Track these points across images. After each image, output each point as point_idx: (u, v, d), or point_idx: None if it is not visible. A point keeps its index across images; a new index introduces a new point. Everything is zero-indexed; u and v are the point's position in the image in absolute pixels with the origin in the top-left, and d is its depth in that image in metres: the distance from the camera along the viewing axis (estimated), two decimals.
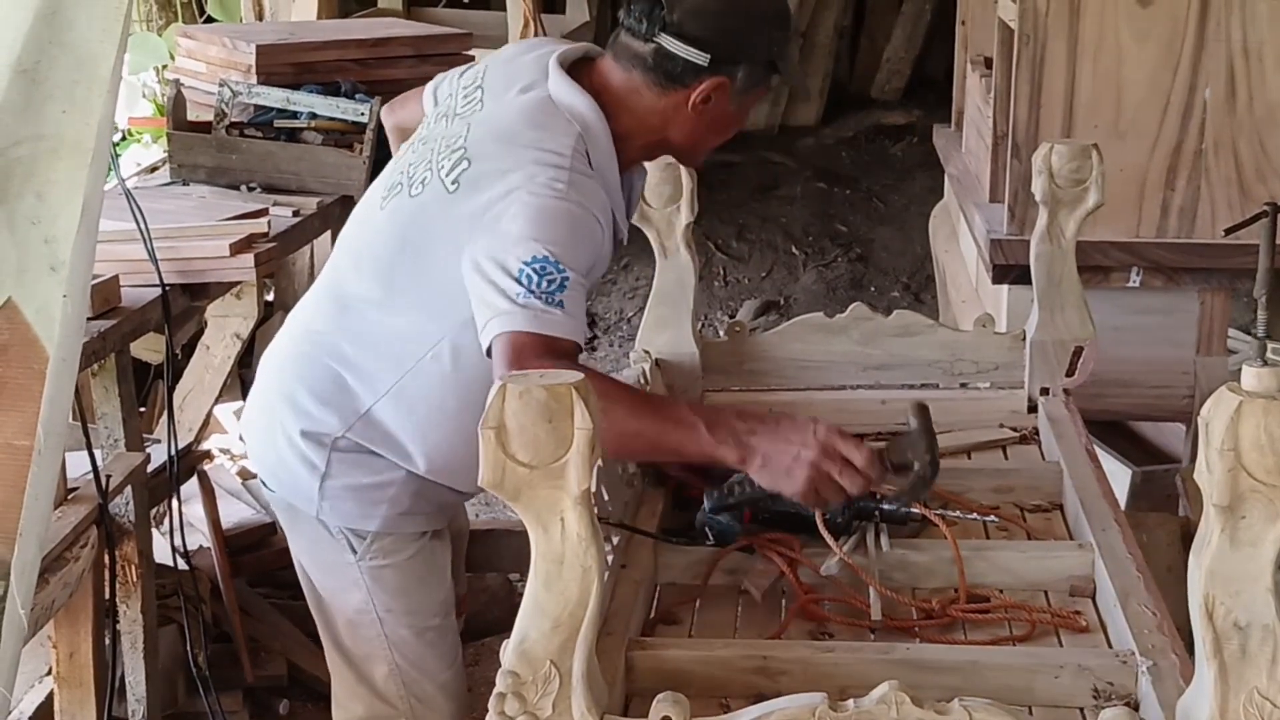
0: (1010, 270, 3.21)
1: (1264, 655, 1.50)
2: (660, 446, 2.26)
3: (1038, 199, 2.78)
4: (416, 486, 2.53)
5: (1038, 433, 2.81)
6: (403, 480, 2.52)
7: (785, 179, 6.83)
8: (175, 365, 3.70)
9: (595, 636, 1.62)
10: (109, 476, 2.76)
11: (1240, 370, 3.79)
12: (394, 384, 2.48)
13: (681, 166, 2.89)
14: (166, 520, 3.56)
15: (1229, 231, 2.23)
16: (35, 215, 1.11)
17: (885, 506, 2.31)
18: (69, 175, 1.11)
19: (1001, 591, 2.19)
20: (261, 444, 2.68)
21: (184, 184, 4.00)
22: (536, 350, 2.17)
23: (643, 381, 2.75)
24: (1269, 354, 1.58)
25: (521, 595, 3.95)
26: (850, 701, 1.57)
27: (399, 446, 2.50)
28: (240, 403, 5.53)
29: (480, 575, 3.99)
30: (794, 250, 6.44)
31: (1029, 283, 2.96)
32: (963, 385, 2.95)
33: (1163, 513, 3.22)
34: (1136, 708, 1.83)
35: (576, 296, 2.25)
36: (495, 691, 1.60)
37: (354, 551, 2.54)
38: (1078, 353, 2.83)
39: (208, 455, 4.18)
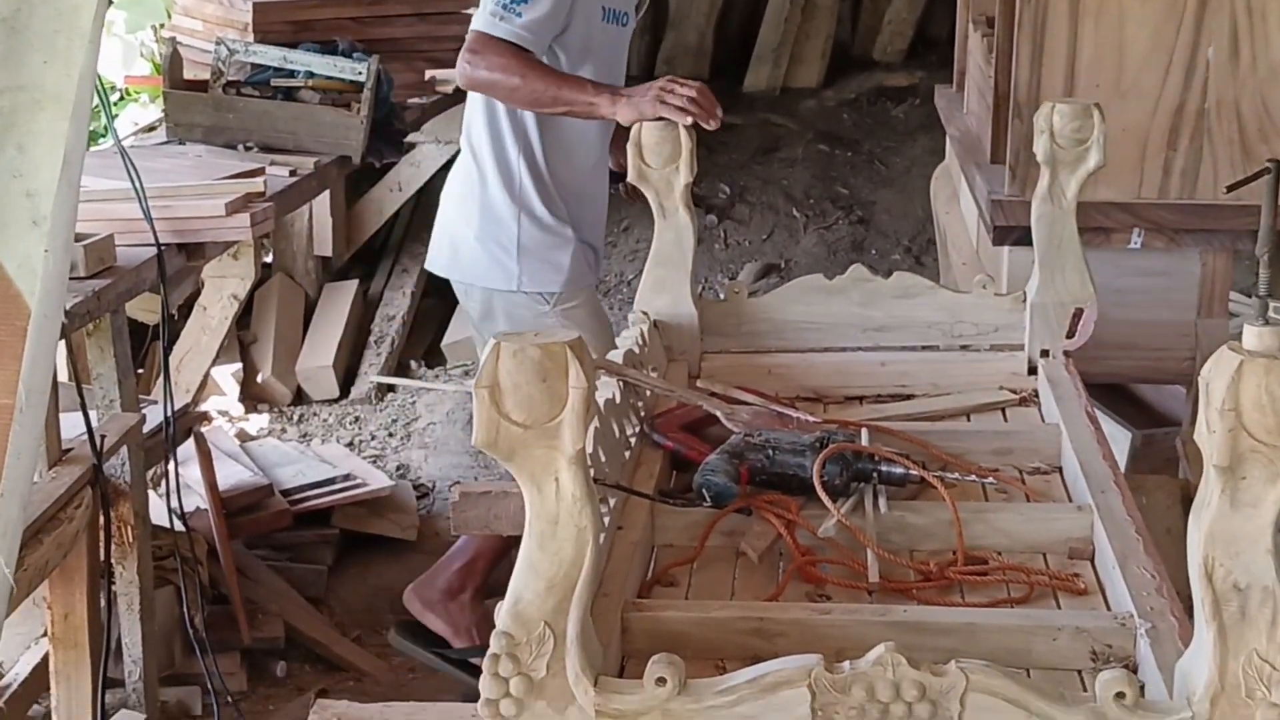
0: (1011, 231, 3.19)
1: (1263, 617, 1.49)
2: (559, 99, 3.36)
3: (1039, 159, 2.76)
4: (575, 247, 3.61)
5: (1037, 395, 2.80)
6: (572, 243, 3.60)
7: (786, 141, 6.79)
8: (172, 327, 3.68)
9: (590, 597, 1.60)
10: (104, 437, 2.75)
11: (1241, 332, 3.78)
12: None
13: (680, 126, 2.87)
14: (163, 482, 3.55)
15: (1231, 188, 2.21)
16: (16, 168, 1.09)
17: (883, 467, 2.30)
18: (51, 127, 1.08)
19: (1000, 554, 2.18)
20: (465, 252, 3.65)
21: (180, 143, 3.98)
22: (483, 44, 3.34)
23: (641, 344, 2.74)
24: (1271, 313, 1.56)
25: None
26: (846, 663, 1.56)
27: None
28: (238, 364, 5.54)
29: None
30: (795, 213, 6.41)
31: (1030, 244, 2.93)
32: (962, 347, 2.93)
33: (1162, 475, 3.21)
34: (1135, 670, 1.81)
35: (538, 12, 3.35)
36: (489, 653, 1.59)
37: (547, 304, 3.60)
38: (1078, 315, 2.82)
39: (205, 417, 4.18)
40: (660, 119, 3.02)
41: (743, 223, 6.35)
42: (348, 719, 1.89)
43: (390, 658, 3.80)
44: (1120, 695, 1.52)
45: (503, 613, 1.59)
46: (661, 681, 1.57)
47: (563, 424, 1.53)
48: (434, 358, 5.84)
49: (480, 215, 3.59)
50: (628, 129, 2.99)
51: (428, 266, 3.81)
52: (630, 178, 2.91)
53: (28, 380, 1.08)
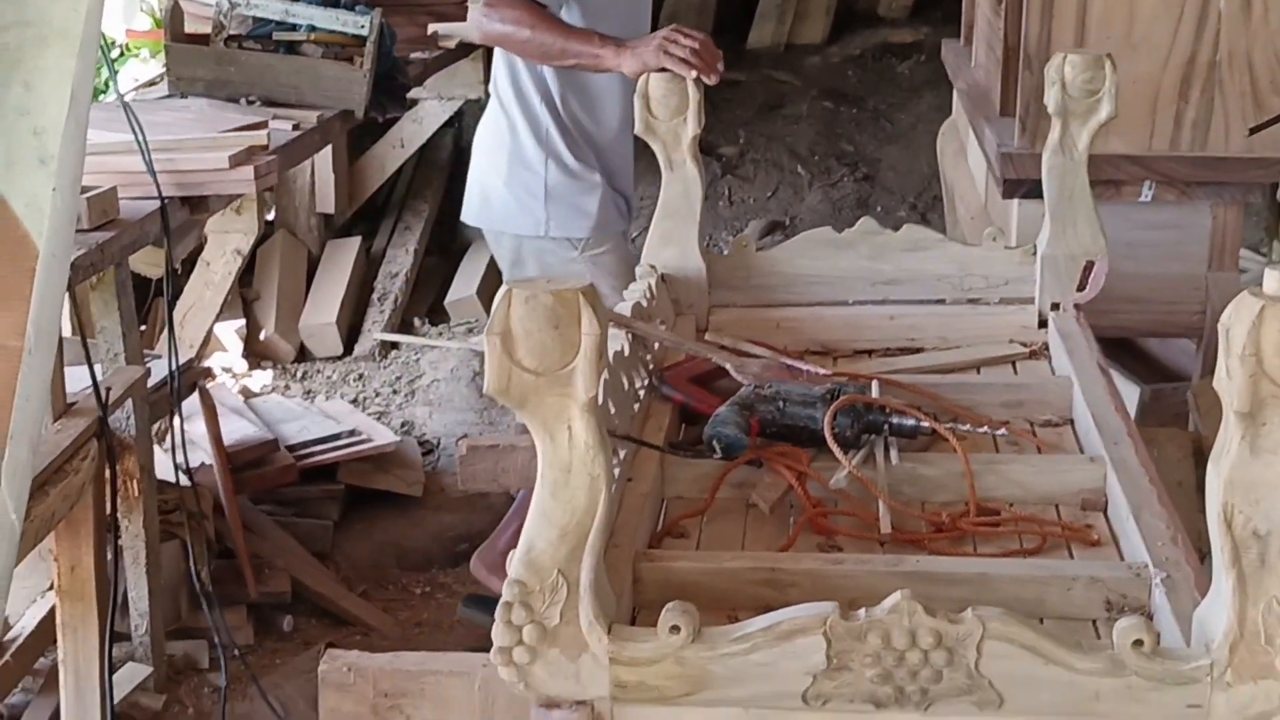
0: (1020, 184, 3.16)
1: None
2: (567, 52, 3.45)
3: (1050, 110, 2.73)
4: (603, 193, 3.66)
5: (1048, 348, 2.78)
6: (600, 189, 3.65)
7: (791, 98, 6.75)
8: (175, 281, 3.66)
9: (603, 545, 1.59)
10: (109, 389, 2.74)
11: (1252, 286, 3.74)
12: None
13: (688, 79, 2.85)
14: (168, 437, 3.54)
15: (1254, 131, 2.18)
16: (23, 106, 1.07)
17: (894, 419, 2.28)
18: (57, 63, 1.06)
19: (1012, 505, 2.17)
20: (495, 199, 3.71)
21: (182, 97, 3.95)
22: None
23: (649, 297, 2.72)
24: None
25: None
26: (862, 611, 1.55)
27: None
28: (241, 321, 5.53)
29: (484, 494, 3.98)
30: (800, 170, 6.37)
31: (1039, 197, 2.91)
32: (972, 301, 2.91)
33: (1173, 428, 3.19)
34: (1150, 619, 1.80)
35: None
36: (501, 601, 1.58)
37: (575, 248, 3.66)
38: (1089, 267, 2.80)
39: (209, 372, 4.16)
40: (664, 70, 3.09)
41: (747, 180, 6.31)
42: (358, 669, 1.87)
43: (396, 612, 3.80)
44: (1138, 643, 1.51)
45: (515, 561, 1.58)
46: (675, 629, 1.56)
47: (575, 371, 1.52)
48: (437, 315, 5.82)
49: (509, 163, 3.66)
50: None
51: (462, 218, 3.85)
52: (637, 130, 2.88)
53: (36, 321, 1.07)
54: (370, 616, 3.77)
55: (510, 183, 3.66)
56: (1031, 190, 3.11)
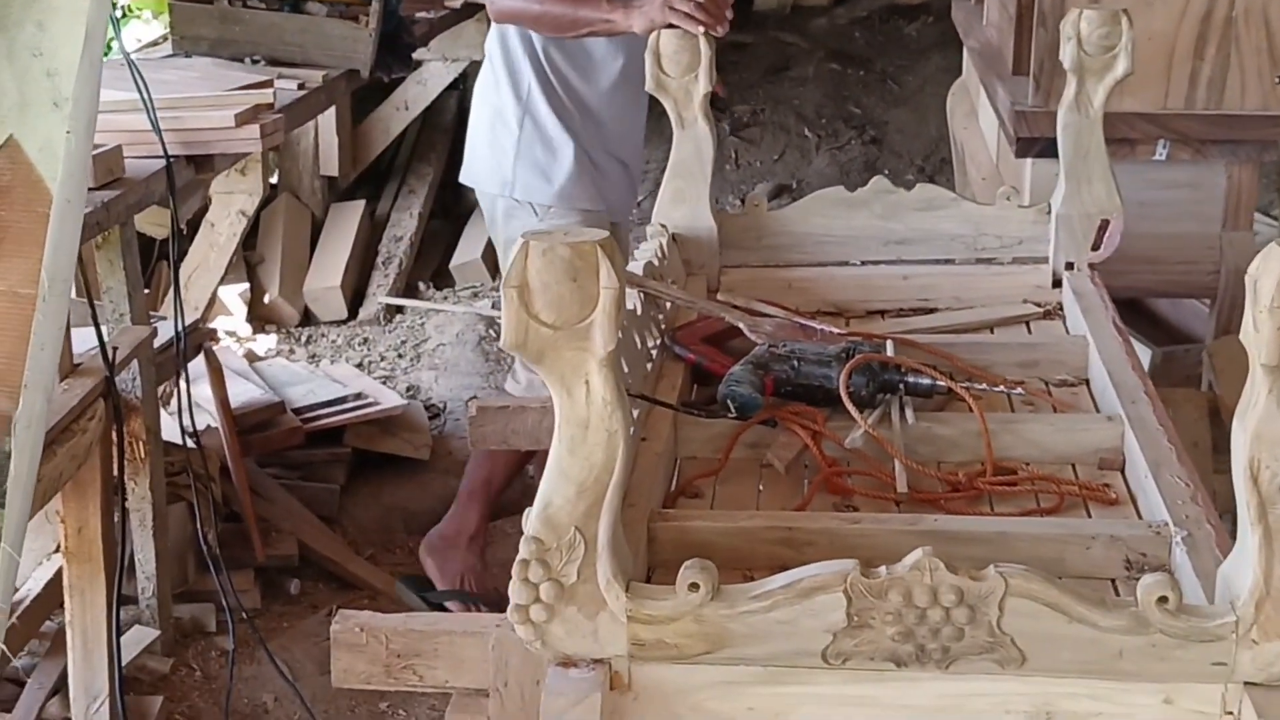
0: (1034, 143, 3.13)
1: None
2: (578, 21, 3.41)
3: (1066, 67, 2.71)
4: (575, 163, 3.52)
5: (1062, 308, 2.76)
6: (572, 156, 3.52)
7: (798, 60, 6.71)
8: (180, 243, 3.63)
9: (620, 502, 1.57)
10: (115, 349, 2.71)
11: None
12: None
13: (700, 36, 2.82)
14: (173, 400, 3.52)
15: None
16: (37, 46, 1.04)
17: (909, 378, 2.26)
18: (71, 3, 1.04)
19: (1028, 465, 2.15)
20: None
21: (186, 56, 3.92)
22: None
23: (660, 256, 2.69)
24: None
25: (533, 476, 3.92)
26: (883, 568, 1.53)
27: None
28: (245, 285, 5.50)
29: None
30: (807, 133, 6.34)
31: (1053, 156, 2.88)
32: (985, 261, 2.89)
33: (1189, 389, 3.17)
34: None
35: None
36: (518, 558, 1.56)
37: (536, 215, 3.53)
38: (1104, 226, 2.77)
39: (213, 335, 4.14)
40: (671, 25, 3.05)
41: (754, 143, 6.28)
42: (370, 629, 1.85)
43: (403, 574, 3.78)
44: (1163, 600, 1.49)
45: (532, 517, 1.56)
46: (694, 587, 1.55)
47: (593, 325, 1.49)
48: (442, 279, 5.79)
49: (490, 118, 3.57)
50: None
51: (460, 178, 3.79)
52: (648, 87, 2.85)
53: (50, 268, 1.05)
54: (377, 580, 3.76)
55: (490, 139, 3.57)
56: (1045, 149, 3.08)
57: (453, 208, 6.12)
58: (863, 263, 2.92)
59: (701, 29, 2.98)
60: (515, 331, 1.50)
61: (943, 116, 5.60)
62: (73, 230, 1.08)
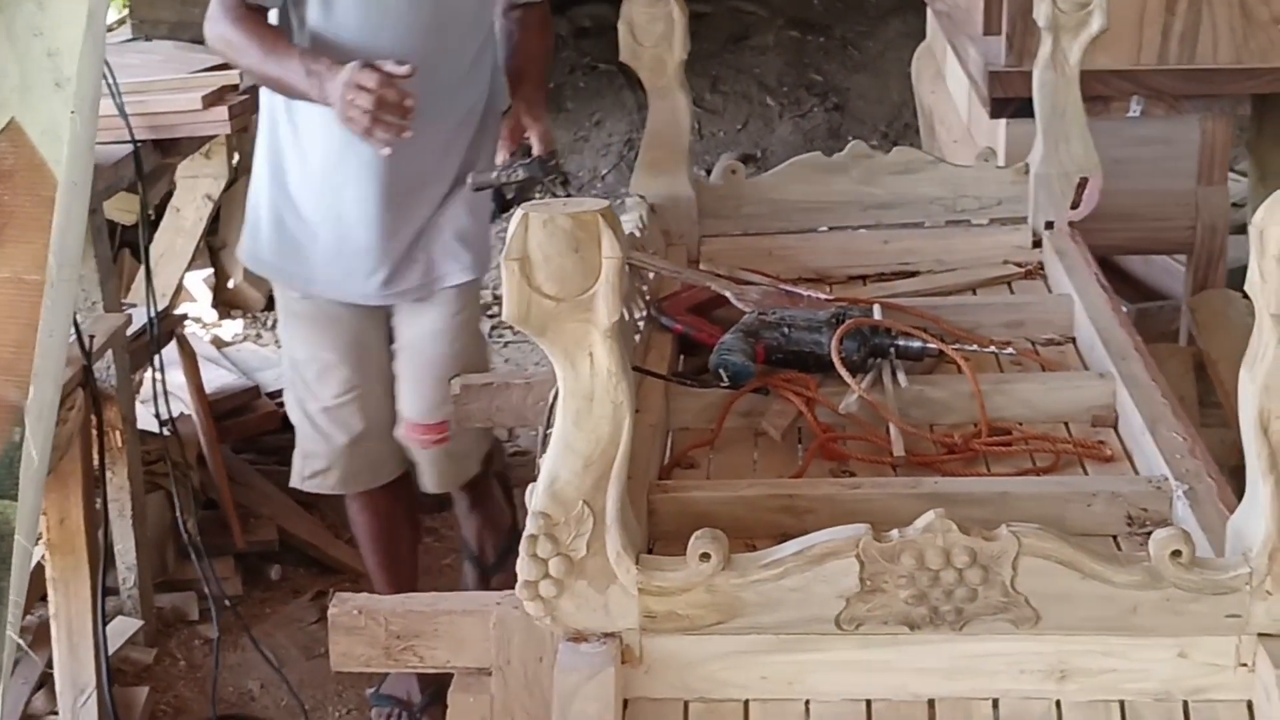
0: (1008, 103, 3.12)
1: None
2: (267, 78, 2.76)
3: (1041, 25, 2.70)
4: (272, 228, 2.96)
5: (1043, 267, 2.75)
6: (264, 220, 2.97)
7: (757, 28, 6.69)
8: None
9: (626, 474, 1.56)
10: (92, 337, 2.68)
11: (1242, 203, 3.73)
12: None
13: (673, 1, 2.80)
14: (144, 388, 3.49)
15: None
16: (37, 25, 1.02)
17: (900, 341, 2.25)
18: None
19: (1021, 425, 2.14)
20: None
21: (146, 40, 3.87)
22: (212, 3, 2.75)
23: (641, 227, 2.68)
24: None
25: (510, 453, 3.87)
26: (895, 532, 1.52)
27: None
28: (209, 270, 5.44)
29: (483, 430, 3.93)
30: (769, 101, 6.32)
31: (1027, 116, 2.87)
32: (964, 222, 2.88)
33: (1172, 344, 3.18)
34: None
35: None
36: (526, 534, 1.54)
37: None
38: (1082, 184, 2.77)
39: (182, 321, 4.10)
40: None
41: (716, 113, 6.26)
42: (369, 611, 1.84)
43: None
44: (1176, 554, 1.49)
45: (538, 493, 1.54)
46: (705, 557, 1.53)
47: (596, 296, 1.48)
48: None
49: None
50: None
51: None
52: (622, 56, 2.83)
53: (58, 253, 1.02)
54: (359, 563, 3.72)
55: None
56: (1020, 109, 3.07)
57: None
58: (843, 228, 2.91)
59: (383, 148, 2.63)
60: (517, 304, 1.48)
61: (905, 82, 5.59)
62: (79, 213, 1.05)
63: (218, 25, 2.74)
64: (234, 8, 2.74)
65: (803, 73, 6.44)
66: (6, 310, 1.05)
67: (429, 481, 3.08)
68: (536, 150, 2.83)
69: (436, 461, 3.05)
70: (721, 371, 2.20)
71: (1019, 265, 2.77)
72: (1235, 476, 1.87)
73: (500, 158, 2.86)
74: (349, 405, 3.01)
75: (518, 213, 1.49)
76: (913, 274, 2.80)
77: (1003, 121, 3.23)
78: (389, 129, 2.61)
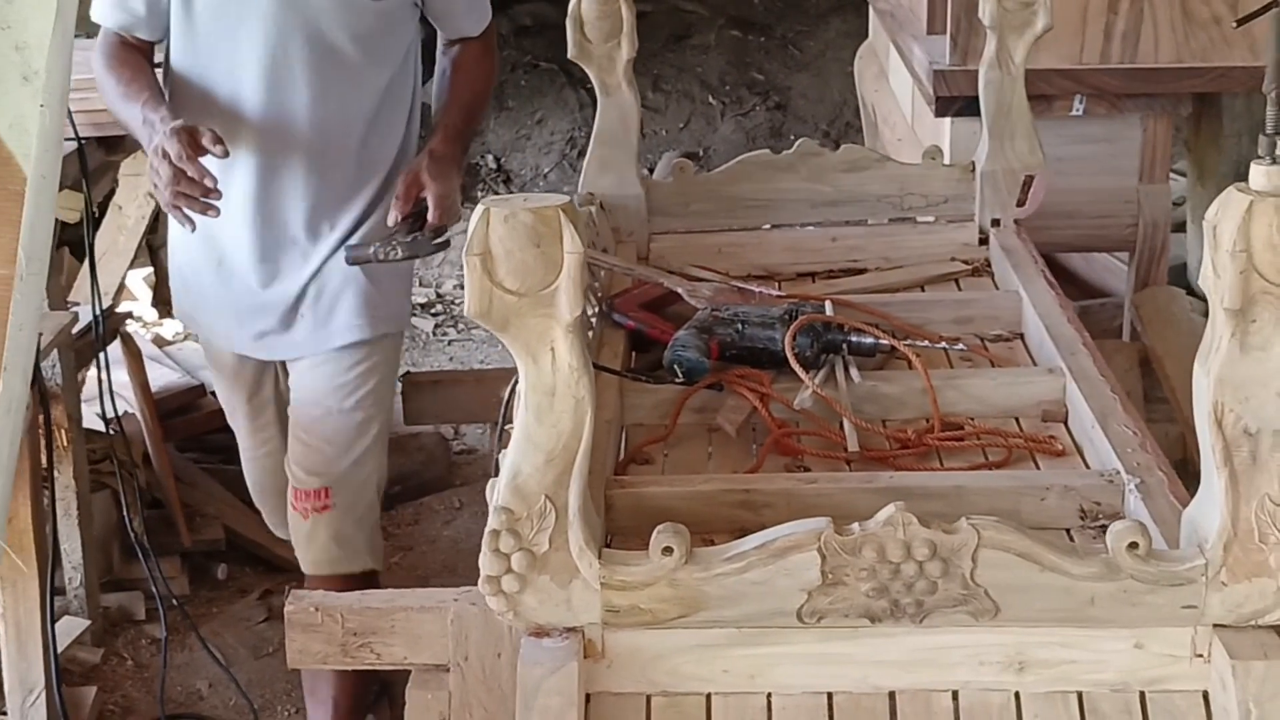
0: (953, 102, 3.15)
1: (1275, 461, 1.48)
2: (119, 120, 2.65)
3: (985, 24, 2.73)
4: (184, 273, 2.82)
5: (989, 265, 2.78)
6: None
7: (698, 27, 6.70)
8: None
9: (588, 469, 1.56)
10: (40, 334, 2.65)
11: (1180, 201, 3.77)
12: None
13: (621, 1, 2.80)
14: (87, 386, 3.45)
15: (1240, 23, 2.14)
16: (5, 19, 1.01)
17: (853, 338, 2.27)
18: None
19: (973, 420, 2.16)
20: None
21: (88, 37, 3.82)
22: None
23: (592, 225, 2.68)
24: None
25: (456, 452, 3.87)
26: (856, 525, 1.53)
27: None
28: (149, 269, 5.39)
29: (415, 435, 3.93)
30: (711, 100, 6.35)
31: (972, 114, 2.90)
32: (910, 220, 2.91)
33: (1117, 340, 3.21)
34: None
35: None
36: (489, 529, 1.54)
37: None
38: (1028, 182, 2.80)
39: (126, 319, 4.07)
40: None
41: (659, 111, 6.27)
42: (326, 608, 1.83)
43: None
44: (1133, 545, 1.51)
45: (500, 488, 1.55)
46: (668, 551, 1.54)
47: (558, 290, 1.48)
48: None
49: None
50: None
51: None
52: (571, 54, 2.83)
53: (27, 247, 1.02)
54: None
55: None
56: (964, 108, 3.11)
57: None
58: (792, 225, 2.92)
59: (186, 225, 2.48)
60: (479, 299, 1.48)
61: (846, 81, 5.63)
62: (48, 206, 1.05)
63: (93, 59, 2.64)
64: (109, 43, 2.64)
65: (744, 72, 6.47)
66: None
67: (305, 559, 2.75)
68: (431, 218, 2.56)
69: (314, 535, 2.72)
70: (676, 367, 2.21)
71: (966, 263, 2.80)
72: (1180, 471, 1.90)
73: (391, 218, 2.56)
74: (256, 462, 2.90)
75: (479, 208, 1.49)
76: (861, 271, 2.82)
77: (947, 120, 3.26)
78: (190, 204, 2.41)
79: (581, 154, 5.95)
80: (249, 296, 2.69)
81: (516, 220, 1.46)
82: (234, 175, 2.59)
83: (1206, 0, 3.08)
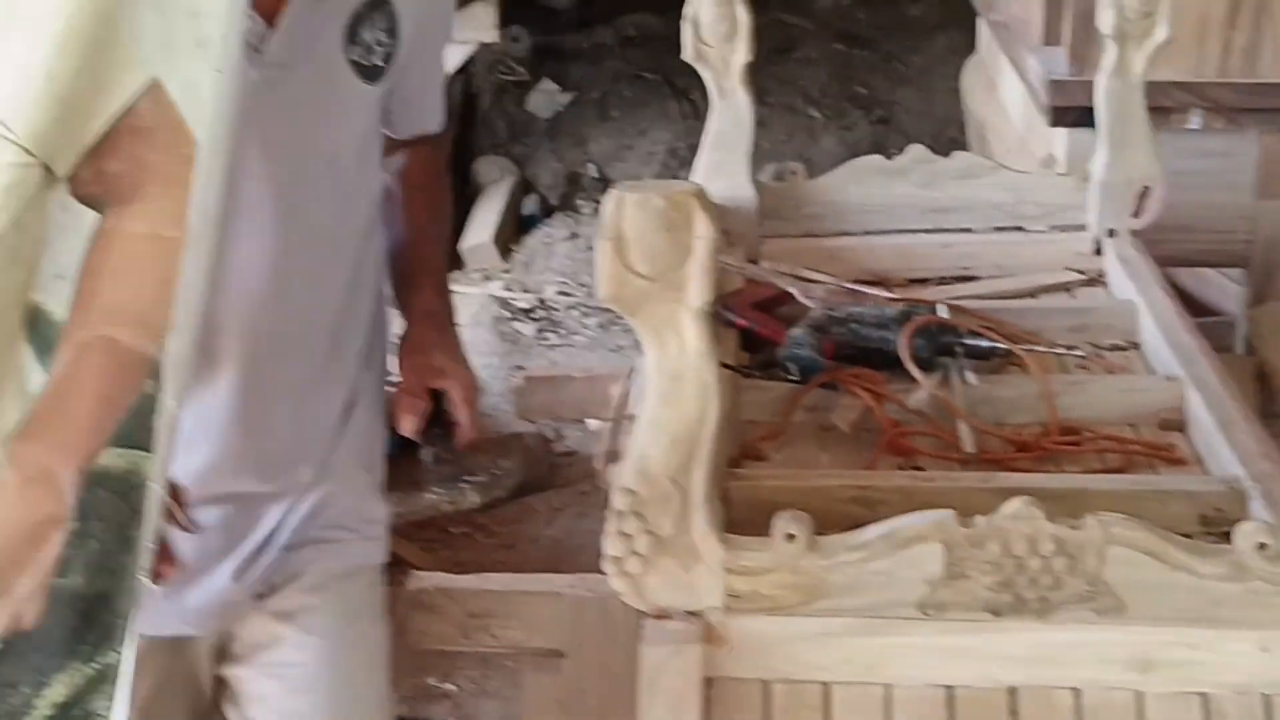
0: (1068, 112, 3.14)
1: None
2: None
3: (1106, 33, 2.71)
4: None
5: (1104, 275, 2.76)
6: None
7: (802, 41, 6.70)
8: None
9: (713, 454, 1.57)
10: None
11: None
12: None
13: (738, 1, 2.81)
14: None
15: None
16: None
17: (968, 340, 2.26)
18: None
19: (1089, 426, 2.15)
20: None
21: None
22: None
23: None
24: None
25: (557, 453, 3.87)
26: (980, 518, 1.53)
27: None
28: None
29: (518, 435, 3.96)
30: (813, 113, 6.34)
31: (1087, 125, 2.88)
32: (1024, 229, 2.89)
33: (1230, 354, 3.18)
34: None
35: None
36: (613, 509, 1.56)
37: None
38: (1145, 193, 2.78)
39: None
40: None
41: (761, 124, 6.25)
42: (446, 590, 1.86)
43: (436, 551, 3.78)
44: (1262, 546, 1.50)
45: (627, 469, 1.56)
46: (791, 537, 1.55)
47: (688, 275, 1.49)
48: (452, 261, 5.79)
49: None
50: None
51: None
52: (687, 56, 2.84)
53: (200, 209, 1.04)
54: (412, 555, 3.75)
55: None
56: (1080, 118, 3.08)
57: (461, 190, 6.11)
58: (903, 231, 2.91)
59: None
60: (612, 283, 1.49)
61: (950, 97, 5.60)
62: (219, 171, 1.07)
63: None
64: None
65: (847, 85, 6.46)
66: (144, 266, 1.07)
67: None
68: (463, 428, 1.85)
69: None
70: (791, 365, 2.21)
71: (1080, 272, 2.78)
72: None
73: (410, 427, 1.84)
74: None
75: (610, 193, 1.51)
76: (972, 278, 2.81)
77: (1061, 131, 3.24)
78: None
79: (684, 164, 5.96)
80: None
81: (649, 205, 1.48)
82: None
83: None
